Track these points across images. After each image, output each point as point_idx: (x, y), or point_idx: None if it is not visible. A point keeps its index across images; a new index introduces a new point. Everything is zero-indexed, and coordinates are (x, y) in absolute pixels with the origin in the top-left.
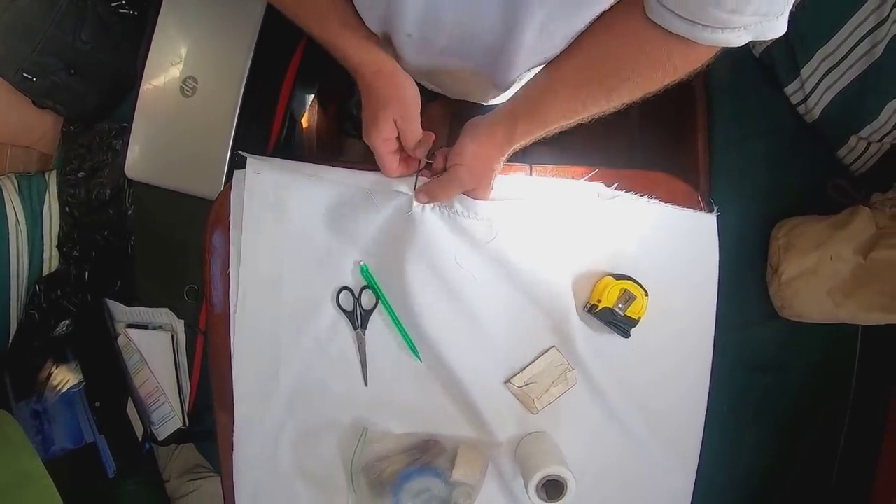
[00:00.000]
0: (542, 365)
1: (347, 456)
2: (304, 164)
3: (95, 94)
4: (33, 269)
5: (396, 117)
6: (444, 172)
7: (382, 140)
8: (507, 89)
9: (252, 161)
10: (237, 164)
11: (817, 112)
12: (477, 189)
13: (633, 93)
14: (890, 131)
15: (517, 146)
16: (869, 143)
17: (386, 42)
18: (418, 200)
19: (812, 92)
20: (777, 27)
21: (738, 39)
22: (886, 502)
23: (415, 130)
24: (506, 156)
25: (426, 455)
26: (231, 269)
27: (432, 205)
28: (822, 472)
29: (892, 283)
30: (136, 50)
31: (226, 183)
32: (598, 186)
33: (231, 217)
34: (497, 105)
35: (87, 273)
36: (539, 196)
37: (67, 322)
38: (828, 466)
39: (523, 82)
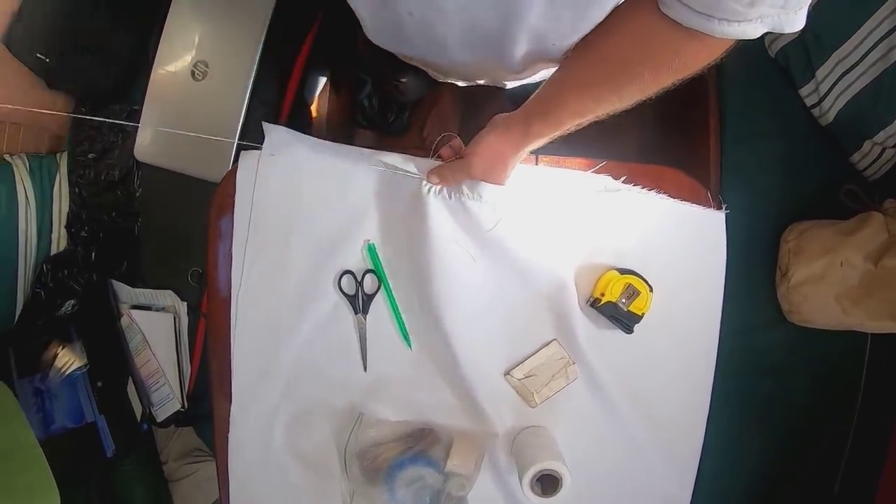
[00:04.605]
0: (542, 357)
1: (342, 441)
2: (319, 140)
3: (108, 77)
4: (41, 249)
5: None
6: (458, 159)
7: None
8: (518, 73)
9: (267, 142)
10: (246, 146)
11: (832, 115)
12: (487, 178)
13: (644, 90)
14: None
15: (534, 145)
16: (884, 149)
17: (386, 25)
18: (429, 181)
19: (827, 94)
20: (795, 21)
21: (754, 31)
22: None
23: None
24: (522, 153)
25: (421, 443)
26: (234, 250)
27: (440, 188)
28: (826, 480)
29: None
30: (149, 33)
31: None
32: (605, 179)
33: (237, 198)
34: (513, 88)
35: (93, 253)
36: (545, 186)
37: (73, 302)
38: (832, 475)
39: (538, 66)
